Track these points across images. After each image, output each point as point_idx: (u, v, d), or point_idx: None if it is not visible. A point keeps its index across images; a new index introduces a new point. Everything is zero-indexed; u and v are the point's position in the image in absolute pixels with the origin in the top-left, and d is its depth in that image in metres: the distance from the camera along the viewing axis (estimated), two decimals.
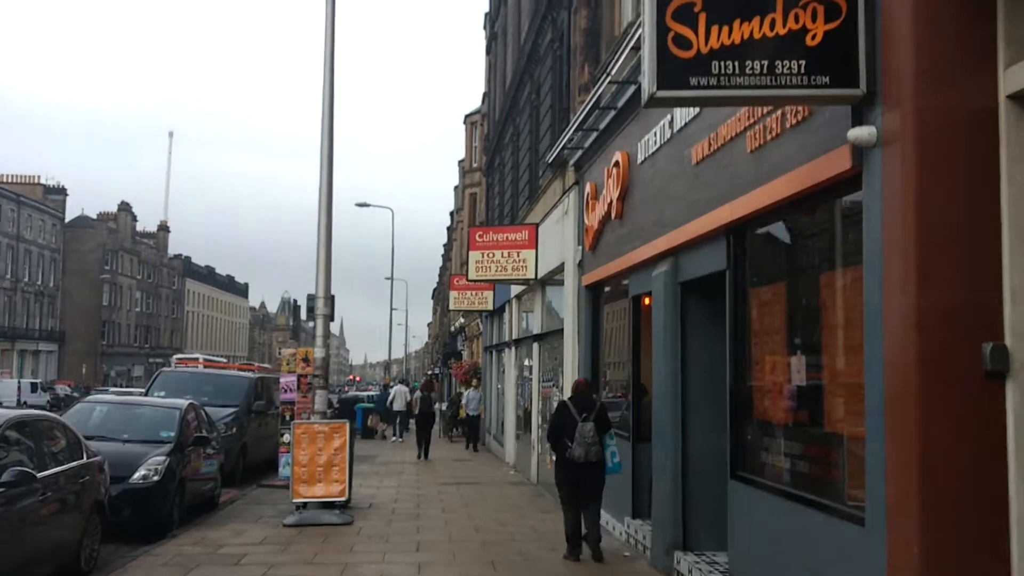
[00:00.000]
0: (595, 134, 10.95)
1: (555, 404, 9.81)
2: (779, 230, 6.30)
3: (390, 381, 38.62)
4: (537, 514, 11.86)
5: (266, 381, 19.15)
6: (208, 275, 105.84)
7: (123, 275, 78.46)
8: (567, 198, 12.99)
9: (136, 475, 10.03)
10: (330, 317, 12.28)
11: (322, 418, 11.95)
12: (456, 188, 52.73)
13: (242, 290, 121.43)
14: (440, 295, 69.06)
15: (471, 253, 16.66)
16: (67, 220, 73.27)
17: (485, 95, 32.47)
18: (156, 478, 10.13)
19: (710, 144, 7.14)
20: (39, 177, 70.09)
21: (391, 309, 56.31)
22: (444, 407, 30.18)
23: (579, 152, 11.96)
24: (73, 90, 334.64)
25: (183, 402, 12.44)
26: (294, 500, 11.15)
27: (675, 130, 8.09)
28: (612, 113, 10.10)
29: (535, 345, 16.50)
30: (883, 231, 4.50)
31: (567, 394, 10.38)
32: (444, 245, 68.96)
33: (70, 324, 71.34)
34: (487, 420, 24.38)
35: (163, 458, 10.40)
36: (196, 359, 24.71)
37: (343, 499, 11.35)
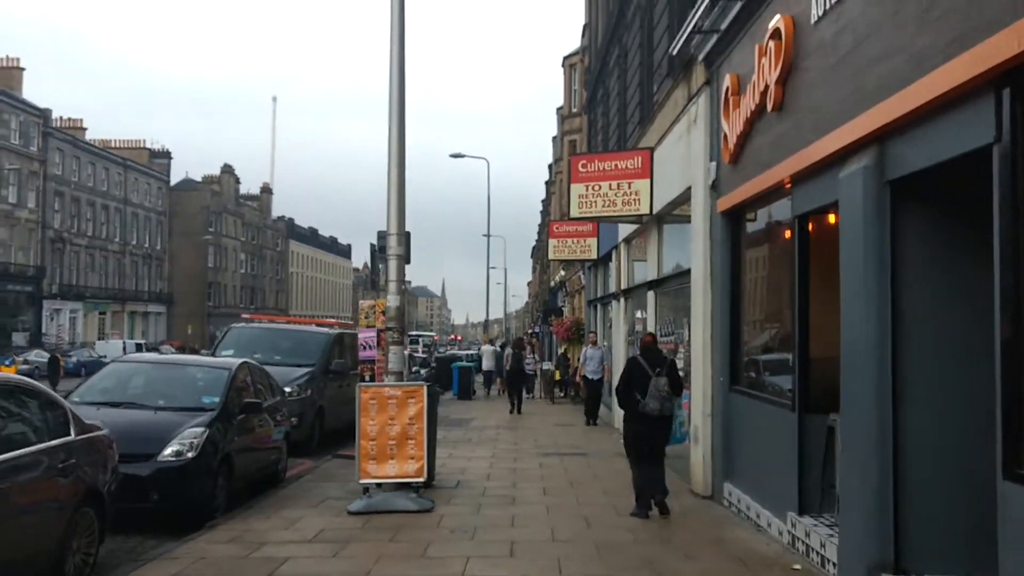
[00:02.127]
0: (738, 5, 8.24)
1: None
2: None
3: (487, 340, 36.96)
4: None
5: (348, 338, 17.24)
6: (311, 236, 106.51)
7: (227, 236, 79.17)
8: (695, 105, 10.32)
9: (167, 451, 8.11)
10: (405, 258, 10.13)
11: (397, 379, 9.81)
12: (554, 138, 50.06)
13: (345, 251, 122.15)
14: (539, 253, 66.93)
15: (573, 186, 14.15)
16: (172, 183, 74.11)
17: (585, 27, 29.86)
18: (191, 454, 8.17)
19: None
20: (144, 141, 71.00)
21: (488, 267, 54.40)
22: (545, 367, 27.98)
23: (713, 39, 9.26)
24: (170, 60, 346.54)
25: (235, 361, 10.48)
26: (361, 481, 9.07)
27: None
28: None
29: (650, 294, 13.98)
30: None
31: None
32: (542, 201, 66.54)
33: (177, 286, 72.45)
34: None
35: (201, 430, 8.44)
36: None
37: (420, 479, 9.20)
